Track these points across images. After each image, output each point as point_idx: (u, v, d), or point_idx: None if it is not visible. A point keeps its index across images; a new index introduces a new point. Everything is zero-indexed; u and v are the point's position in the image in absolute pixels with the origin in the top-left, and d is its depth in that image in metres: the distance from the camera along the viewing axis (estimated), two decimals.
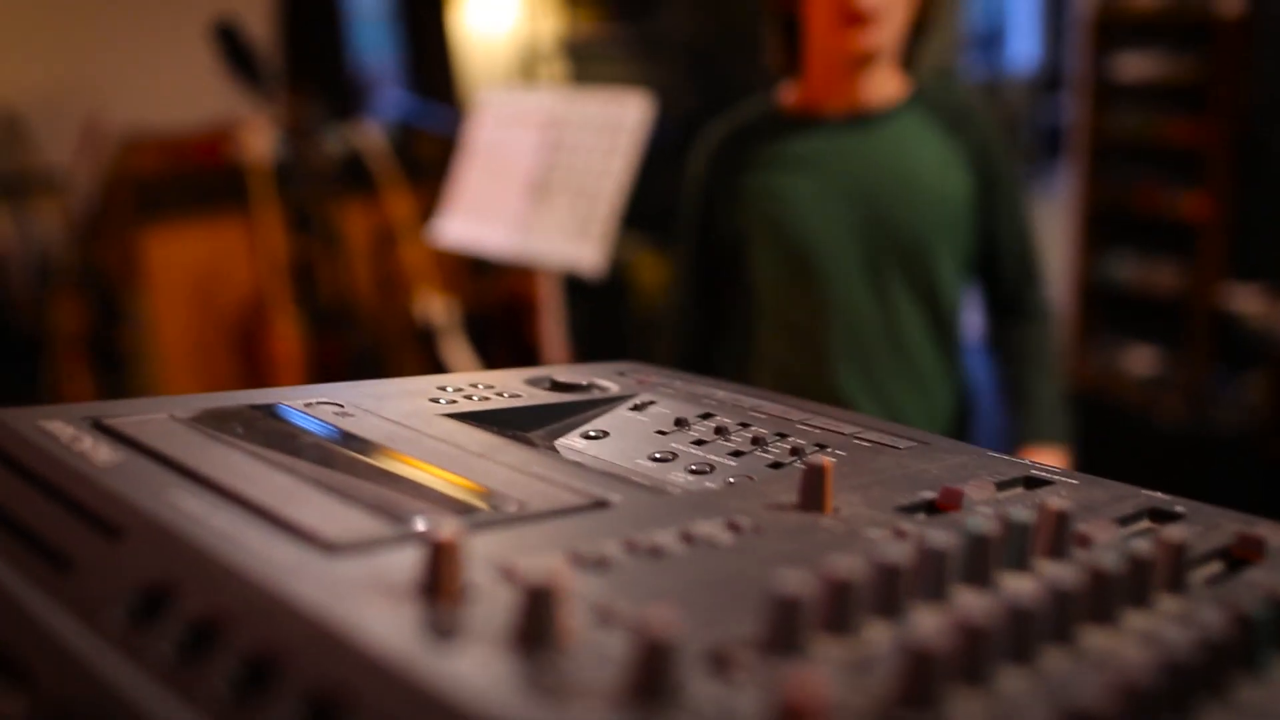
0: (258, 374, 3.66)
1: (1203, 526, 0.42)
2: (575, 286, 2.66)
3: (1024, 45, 8.05)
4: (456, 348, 3.57)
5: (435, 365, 3.61)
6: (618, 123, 2.10)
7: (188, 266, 3.62)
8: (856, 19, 1.26)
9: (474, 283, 3.99)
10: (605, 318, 3.79)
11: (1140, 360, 3.93)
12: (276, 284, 3.52)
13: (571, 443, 0.53)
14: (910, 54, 1.39)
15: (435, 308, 3.57)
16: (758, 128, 1.41)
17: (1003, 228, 1.40)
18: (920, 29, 1.37)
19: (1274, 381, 3.32)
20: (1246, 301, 3.79)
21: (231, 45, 2.94)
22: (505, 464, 0.46)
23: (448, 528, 0.32)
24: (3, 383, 4.26)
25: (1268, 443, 3.25)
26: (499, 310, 3.87)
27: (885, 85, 1.37)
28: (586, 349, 2.96)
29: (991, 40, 7.79)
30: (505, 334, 3.84)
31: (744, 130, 1.42)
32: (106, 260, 4.06)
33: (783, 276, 1.39)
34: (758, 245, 1.40)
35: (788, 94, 1.42)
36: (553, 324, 2.46)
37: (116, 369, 4.00)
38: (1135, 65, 4.04)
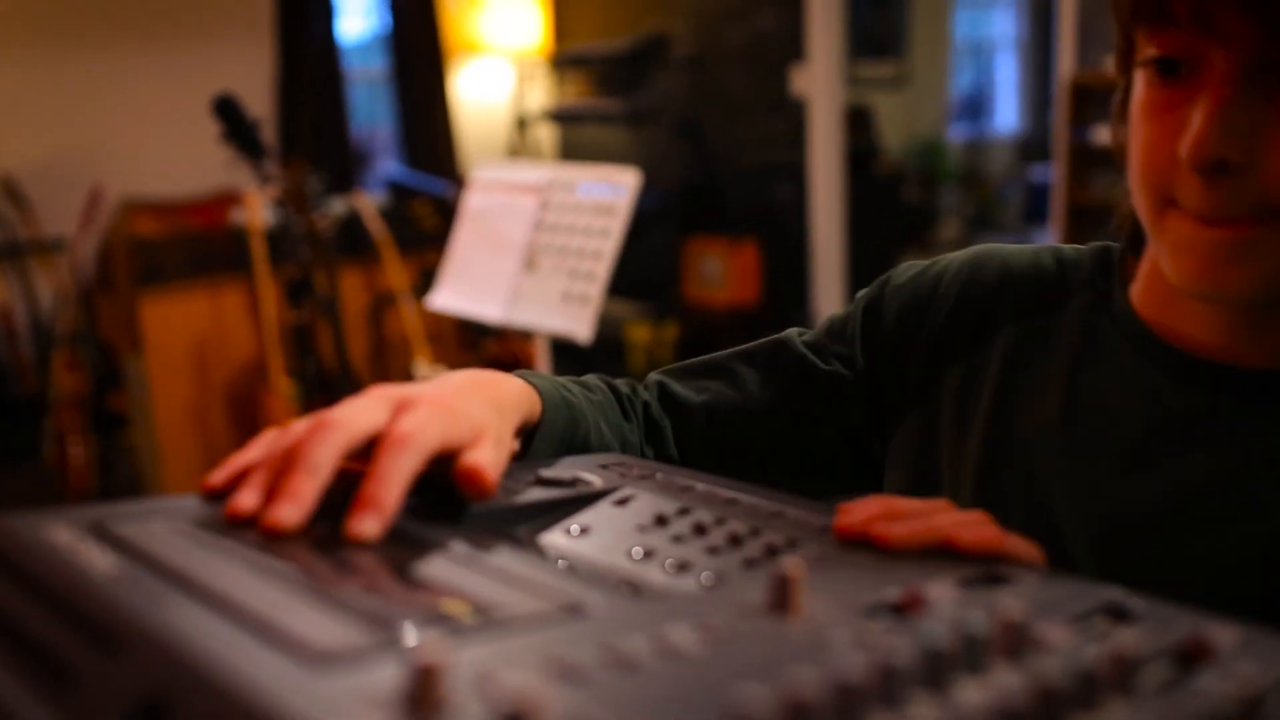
0: (254, 437, 3.68)
1: (1155, 625, 0.44)
2: (570, 348, 2.69)
3: (1007, 112, 8.19)
4: None
5: None
6: (610, 201, 2.14)
7: (186, 330, 3.65)
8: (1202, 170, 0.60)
9: (470, 345, 4.02)
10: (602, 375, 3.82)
11: None
12: (273, 349, 3.55)
13: (555, 540, 0.55)
14: None
15: (430, 372, 3.59)
16: (1050, 294, 0.78)
17: None
18: None
19: None
20: None
21: (231, 117, 3.00)
22: (491, 566, 0.48)
23: (431, 642, 0.34)
24: (3, 444, 4.28)
25: None
26: (497, 370, 3.90)
27: None
28: None
29: (977, 107, 7.95)
30: None
31: (1026, 279, 0.80)
32: (106, 324, 4.10)
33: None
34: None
35: (1137, 275, 0.76)
36: None
37: (115, 431, 4.02)
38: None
